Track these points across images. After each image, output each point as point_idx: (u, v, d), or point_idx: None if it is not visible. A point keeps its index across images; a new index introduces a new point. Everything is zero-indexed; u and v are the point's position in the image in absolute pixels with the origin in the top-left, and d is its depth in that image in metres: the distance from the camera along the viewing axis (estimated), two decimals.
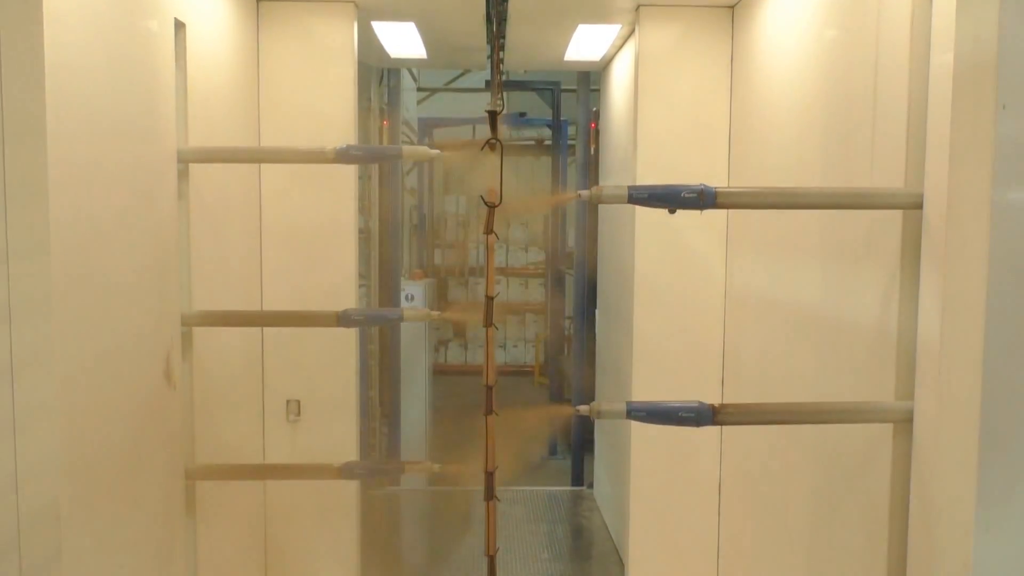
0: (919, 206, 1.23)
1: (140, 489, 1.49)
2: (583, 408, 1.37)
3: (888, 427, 1.33)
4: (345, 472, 1.69)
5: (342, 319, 1.69)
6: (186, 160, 1.69)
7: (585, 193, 1.37)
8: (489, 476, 1.60)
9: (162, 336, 1.57)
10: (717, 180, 2.29)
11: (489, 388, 1.60)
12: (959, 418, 1.13)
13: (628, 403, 1.34)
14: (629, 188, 1.33)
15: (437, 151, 1.64)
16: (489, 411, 1.60)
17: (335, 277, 2.28)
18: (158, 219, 1.56)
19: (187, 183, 1.71)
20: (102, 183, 1.32)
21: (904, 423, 1.28)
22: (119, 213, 1.39)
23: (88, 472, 1.27)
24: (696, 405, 1.31)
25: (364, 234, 3.69)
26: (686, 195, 1.31)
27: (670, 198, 1.33)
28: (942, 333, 1.17)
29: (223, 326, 1.86)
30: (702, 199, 1.31)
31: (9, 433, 1.05)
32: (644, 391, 2.33)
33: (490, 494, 1.60)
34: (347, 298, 2.28)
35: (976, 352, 1.09)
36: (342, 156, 1.65)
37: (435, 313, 1.71)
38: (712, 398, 2.31)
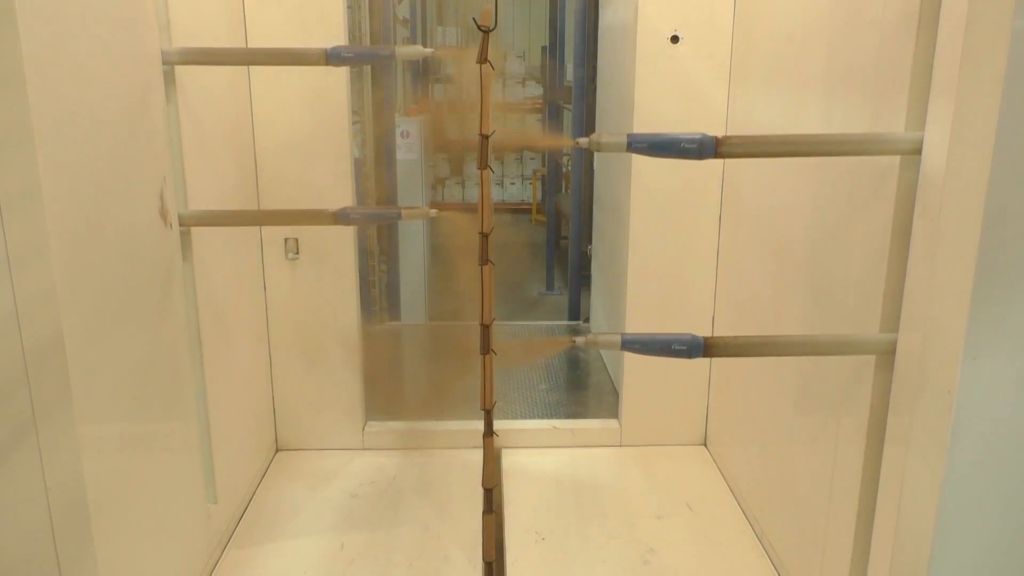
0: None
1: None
2: (583, 140, 1.35)
3: (882, 259, 1.34)
4: (341, 217, 1.70)
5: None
6: None
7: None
8: (485, 329, 1.58)
9: (154, 173, 1.55)
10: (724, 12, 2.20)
11: (485, 236, 1.54)
12: (957, 239, 1.13)
13: (629, 135, 1.31)
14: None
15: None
16: (485, 261, 1.55)
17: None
18: None
19: None
20: None
21: (912, 157, 1.28)
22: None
23: (88, 302, 1.29)
24: (699, 136, 1.28)
25: (355, 69, 3.56)
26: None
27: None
28: (948, 159, 1.15)
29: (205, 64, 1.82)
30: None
31: (5, 270, 1.05)
32: (641, 224, 2.33)
33: (486, 348, 1.58)
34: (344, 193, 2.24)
35: (981, 179, 1.07)
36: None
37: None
38: (709, 229, 2.33)
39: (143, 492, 1.50)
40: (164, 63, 1.61)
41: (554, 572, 1.87)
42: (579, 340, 1.41)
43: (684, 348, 1.35)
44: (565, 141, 1.45)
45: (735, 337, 1.46)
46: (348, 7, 2.24)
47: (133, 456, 1.45)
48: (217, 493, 1.90)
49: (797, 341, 1.51)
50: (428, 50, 1.62)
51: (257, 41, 2.14)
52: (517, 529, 2.03)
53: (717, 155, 1.29)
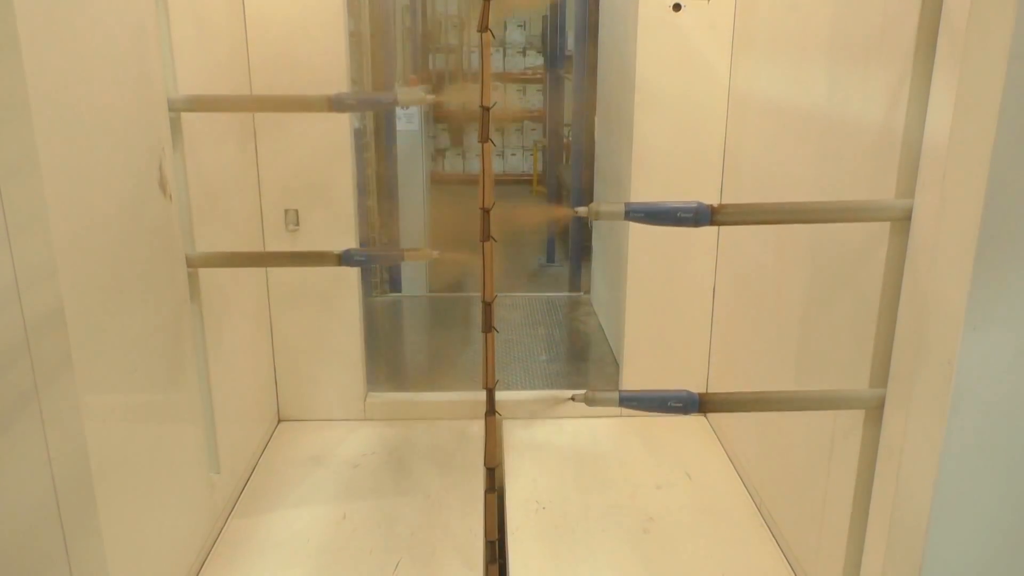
0: None
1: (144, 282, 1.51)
2: (581, 209, 1.37)
3: (884, 227, 1.33)
4: (345, 259, 1.71)
5: (335, 103, 1.67)
6: None
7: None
8: (487, 307, 1.56)
9: (152, 141, 1.54)
10: None
11: (486, 212, 1.52)
12: (959, 217, 1.13)
13: (626, 204, 1.33)
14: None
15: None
16: (486, 238, 1.53)
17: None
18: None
19: None
20: None
21: (902, 221, 1.28)
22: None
23: (88, 275, 1.29)
24: (695, 205, 1.30)
25: (355, 37, 3.53)
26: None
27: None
28: (951, 129, 1.14)
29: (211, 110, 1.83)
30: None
31: (4, 243, 1.05)
32: (643, 195, 2.32)
33: (488, 326, 1.56)
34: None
35: (985, 150, 1.06)
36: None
37: (430, 97, 1.69)
38: (711, 200, 2.31)
39: (146, 462, 1.51)
40: (170, 110, 1.62)
41: (554, 541, 1.88)
42: (577, 396, 1.45)
43: (680, 405, 1.41)
44: (565, 213, 1.46)
45: (729, 393, 1.50)
46: None
47: (136, 426, 1.46)
48: (220, 463, 1.92)
49: (791, 397, 1.55)
50: (430, 96, 1.63)
51: (258, 52, 2.14)
52: (517, 499, 2.05)
53: (712, 223, 1.32)
